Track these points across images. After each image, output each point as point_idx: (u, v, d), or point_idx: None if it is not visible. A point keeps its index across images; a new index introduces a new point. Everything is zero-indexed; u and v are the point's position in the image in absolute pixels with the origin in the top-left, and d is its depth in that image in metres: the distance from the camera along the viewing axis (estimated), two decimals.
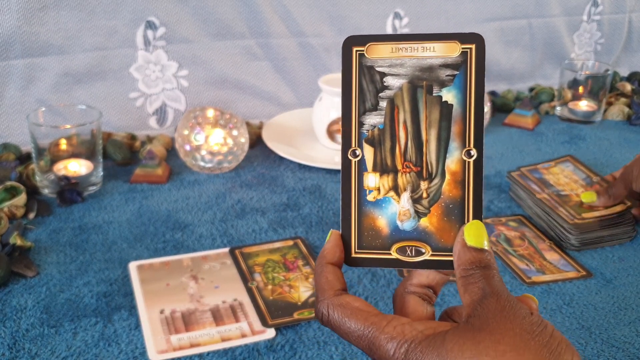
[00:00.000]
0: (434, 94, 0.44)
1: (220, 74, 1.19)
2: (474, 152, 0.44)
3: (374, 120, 0.44)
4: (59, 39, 1.05)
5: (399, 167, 0.44)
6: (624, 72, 1.57)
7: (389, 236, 0.44)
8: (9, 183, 0.90)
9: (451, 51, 0.44)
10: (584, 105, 1.30)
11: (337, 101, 1.07)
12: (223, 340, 0.67)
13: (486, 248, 0.42)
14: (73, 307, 0.71)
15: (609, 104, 1.37)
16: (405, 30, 1.32)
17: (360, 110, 0.44)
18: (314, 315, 0.70)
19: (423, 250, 0.44)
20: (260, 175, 1.04)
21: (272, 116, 1.22)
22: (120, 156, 1.04)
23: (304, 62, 1.25)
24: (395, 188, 0.44)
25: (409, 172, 0.44)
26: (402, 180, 0.44)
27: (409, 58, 0.44)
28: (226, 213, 0.92)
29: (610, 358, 0.67)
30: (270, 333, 0.68)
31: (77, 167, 0.95)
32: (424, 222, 0.44)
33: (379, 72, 0.44)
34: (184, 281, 0.76)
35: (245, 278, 0.77)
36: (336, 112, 1.08)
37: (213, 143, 1.02)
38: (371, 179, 0.45)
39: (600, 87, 1.28)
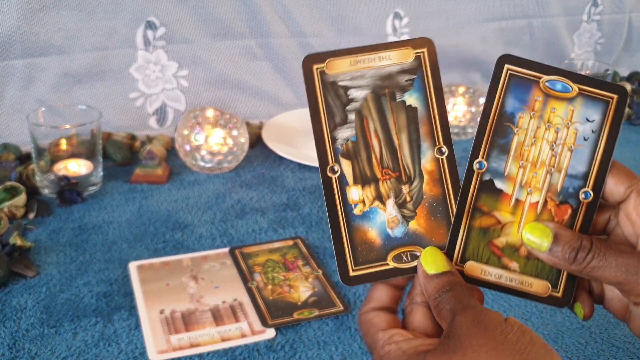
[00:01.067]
0: (397, 100, 0.45)
1: (220, 74, 1.19)
2: (444, 149, 0.45)
3: (345, 133, 0.45)
4: (59, 39, 1.05)
5: (379, 175, 0.45)
6: (624, 72, 1.57)
7: (382, 246, 0.45)
8: (9, 183, 0.90)
9: (406, 57, 0.45)
10: None
11: None
12: (223, 340, 0.67)
13: (448, 270, 0.42)
14: (73, 307, 0.71)
15: None
16: (406, 30, 1.32)
17: (331, 126, 0.45)
18: (314, 315, 0.71)
19: (418, 254, 0.44)
20: (260, 175, 1.04)
21: (272, 116, 1.22)
22: (120, 156, 1.04)
23: None
24: (379, 197, 0.45)
25: (389, 179, 0.45)
26: (384, 188, 0.45)
27: (368, 69, 0.45)
28: (226, 213, 0.92)
29: (610, 358, 0.67)
30: (270, 333, 0.68)
31: (77, 167, 0.95)
32: (413, 225, 0.45)
33: (342, 87, 0.45)
34: (184, 281, 0.76)
35: (245, 278, 0.77)
36: None
37: (213, 143, 1.02)
38: (354, 192, 0.45)
39: None
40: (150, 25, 1.11)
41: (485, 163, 0.44)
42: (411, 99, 0.45)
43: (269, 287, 0.75)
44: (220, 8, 1.16)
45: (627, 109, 1.33)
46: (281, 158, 1.08)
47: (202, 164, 1.02)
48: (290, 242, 0.84)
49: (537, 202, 0.44)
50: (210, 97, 1.19)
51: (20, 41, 1.03)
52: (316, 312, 0.71)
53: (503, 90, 0.44)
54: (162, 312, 0.71)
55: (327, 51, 0.46)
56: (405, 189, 0.45)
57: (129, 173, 1.02)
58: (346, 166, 0.45)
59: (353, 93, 0.45)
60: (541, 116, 0.44)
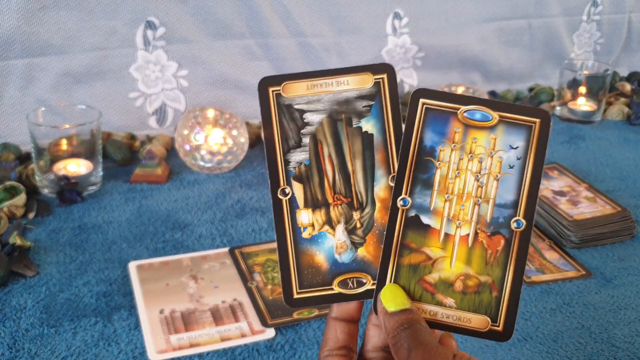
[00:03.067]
0: (354, 126, 0.45)
1: (220, 74, 1.19)
2: None
3: (299, 157, 0.45)
4: (58, 39, 1.05)
5: (330, 200, 0.44)
6: (624, 72, 1.57)
7: (328, 271, 0.44)
8: (8, 183, 0.90)
9: (364, 83, 0.45)
10: (583, 105, 1.30)
11: None
12: (223, 340, 0.67)
13: (407, 307, 0.42)
14: (73, 307, 0.71)
15: (609, 104, 1.37)
16: (406, 30, 1.32)
17: (285, 149, 0.45)
18: (313, 314, 0.71)
19: (364, 281, 0.44)
20: (260, 175, 1.04)
21: None
22: (120, 156, 1.04)
23: (304, 62, 1.25)
24: (329, 222, 0.44)
25: (341, 204, 0.44)
26: (334, 213, 0.44)
27: (325, 93, 0.45)
28: (226, 213, 0.92)
29: (610, 358, 0.67)
30: (270, 333, 0.68)
31: (76, 167, 0.95)
32: (361, 252, 0.44)
33: (298, 110, 0.45)
34: (183, 281, 0.76)
35: (245, 278, 0.77)
36: None
37: (213, 143, 1.02)
38: (304, 216, 0.44)
39: (600, 87, 1.28)
40: (150, 25, 1.11)
41: (409, 199, 0.43)
42: (368, 125, 0.45)
43: (269, 287, 0.75)
44: (220, 8, 1.16)
45: (626, 109, 1.33)
46: None
47: (202, 163, 1.02)
48: None
49: (468, 235, 0.43)
50: (210, 97, 1.19)
51: (20, 41, 1.03)
52: (316, 312, 0.71)
53: (420, 125, 0.44)
54: (161, 311, 0.71)
55: (284, 74, 0.45)
56: (356, 215, 0.44)
57: (128, 173, 1.02)
58: (297, 189, 0.44)
59: (309, 117, 0.45)
60: (462, 147, 0.43)
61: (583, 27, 1.52)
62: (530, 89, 1.46)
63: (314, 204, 0.44)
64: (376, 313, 0.43)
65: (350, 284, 0.44)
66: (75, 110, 0.99)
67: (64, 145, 0.94)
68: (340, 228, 0.44)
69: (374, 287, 0.43)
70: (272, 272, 0.78)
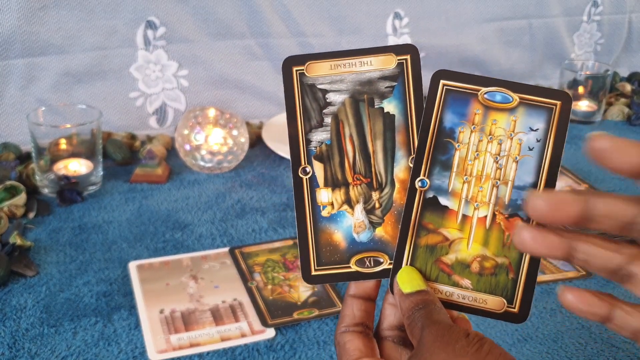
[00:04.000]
0: (375, 106, 0.45)
1: (220, 73, 1.19)
2: None
3: (320, 136, 0.45)
4: (59, 39, 1.05)
5: (350, 180, 0.45)
6: (624, 72, 1.57)
7: (346, 249, 0.45)
8: (9, 182, 0.90)
9: (388, 64, 0.45)
10: (584, 105, 1.30)
11: None
12: (223, 340, 0.67)
13: (423, 289, 0.42)
14: (73, 307, 0.71)
15: (609, 104, 1.37)
16: (406, 30, 1.32)
17: (307, 128, 0.45)
18: (313, 314, 0.71)
19: (381, 260, 0.45)
20: (260, 175, 1.04)
21: (272, 116, 1.22)
22: (120, 156, 1.04)
23: None
24: (348, 201, 0.45)
25: (360, 184, 0.45)
26: (354, 192, 0.45)
27: (348, 73, 0.45)
28: (226, 213, 0.92)
29: (610, 358, 0.67)
30: (270, 333, 0.68)
31: (77, 167, 0.95)
32: (379, 231, 0.45)
33: (321, 90, 0.45)
34: (183, 281, 0.76)
35: (245, 278, 0.77)
36: None
37: (213, 143, 1.02)
38: (324, 195, 0.45)
39: (600, 87, 1.28)
40: (150, 25, 1.11)
41: (427, 181, 0.43)
42: (390, 106, 0.45)
43: (269, 286, 0.75)
44: (220, 8, 1.16)
45: (626, 109, 1.33)
46: (281, 158, 1.08)
47: (202, 163, 1.02)
48: (290, 242, 0.84)
49: (486, 217, 0.43)
50: (210, 97, 1.19)
51: (20, 40, 1.03)
52: (316, 312, 0.71)
53: (440, 106, 0.43)
54: (162, 311, 0.71)
55: (308, 54, 0.46)
56: (375, 195, 0.45)
57: (129, 173, 1.02)
58: (318, 168, 0.45)
59: (331, 97, 0.45)
60: (482, 129, 0.43)
61: (583, 28, 1.52)
62: None
63: (333, 183, 0.45)
64: (392, 293, 0.43)
65: (368, 263, 0.45)
66: (75, 110, 0.99)
67: (64, 145, 0.94)
68: (359, 207, 0.45)
69: (391, 266, 0.44)
70: (272, 272, 0.78)
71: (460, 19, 1.37)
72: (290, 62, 0.45)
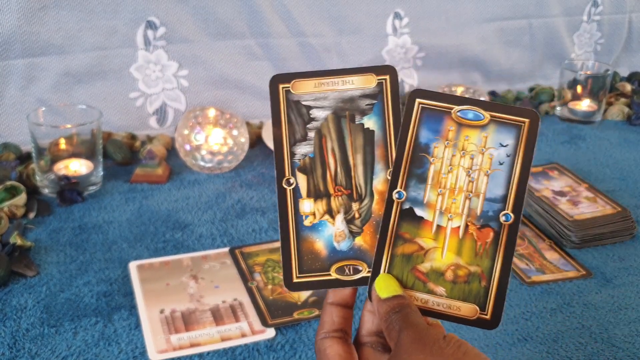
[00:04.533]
0: (356, 122, 0.48)
1: (220, 74, 1.19)
2: None
3: (304, 149, 0.48)
4: (59, 39, 1.05)
5: (331, 191, 0.47)
6: (624, 72, 1.57)
7: (327, 258, 0.47)
8: (9, 183, 0.90)
9: (368, 83, 0.48)
10: (584, 105, 1.30)
11: None
12: (223, 340, 0.67)
13: (399, 293, 0.44)
14: (73, 307, 0.71)
15: (609, 104, 1.37)
16: (406, 30, 1.32)
17: (291, 142, 0.48)
18: (313, 314, 0.71)
19: (360, 268, 0.46)
20: (260, 175, 1.04)
21: None
22: (120, 156, 1.04)
23: (304, 62, 1.25)
24: (329, 211, 0.47)
25: (341, 195, 0.47)
26: (335, 203, 0.47)
27: (332, 91, 0.48)
28: (226, 213, 0.92)
29: (610, 358, 0.67)
30: (270, 333, 0.68)
31: (77, 167, 0.95)
32: (359, 241, 0.47)
33: (305, 106, 0.48)
34: (184, 281, 0.76)
35: (245, 278, 0.77)
36: None
37: (213, 143, 1.02)
38: (306, 205, 0.47)
39: (600, 87, 1.28)
40: (150, 25, 1.11)
41: (404, 192, 0.46)
42: (370, 122, 0.48)
43: (269, 286, 0.75)
44: (220, 8, 1.16)
45: (626, 109, 1.33)
46: None
47: (202, 163, 1.02)
48: None
49: (459, 227, 0.45)
50: (210, 97, 1.19)
51: (20, 41, 1.03)
52: (316, 312, 0.71)
53: (416, 123, 0.46)
54: (162, 311, 0.71)
55: (294, 72, 0.48)
56: (355, 206, 0.47)
57: (129, 173, 1.02)
58: (301, 180, 0.47)
59: (315, 113, 0.48)
60: (455, 144, 0.46)
61: (583, 27, 1.52)
62: (531, 89, 1.46)
63: (316, 194, 0.47)
64: (370, 300, 0.45)
65: (347, 271, 0.47)
66: (75, 110, 0.99)
67: (64, 145, 0.94)
68: (339, 218, 0.47)
69: (369, 274, 0.46)
70: (272, 272, 0.78)
71: (460, 19, 1.37)
72: (277, 80, 0.49)
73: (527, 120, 0.45)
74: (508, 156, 0.45)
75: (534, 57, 1.48)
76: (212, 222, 0.89)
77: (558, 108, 1.32)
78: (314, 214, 0.47)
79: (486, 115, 0.46)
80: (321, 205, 0.47)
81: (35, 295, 0.73)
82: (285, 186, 0.47)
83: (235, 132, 1.03)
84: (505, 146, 0.45)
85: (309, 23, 1.23)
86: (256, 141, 1.14)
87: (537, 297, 0.76)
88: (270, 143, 1.10)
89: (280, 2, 1.20)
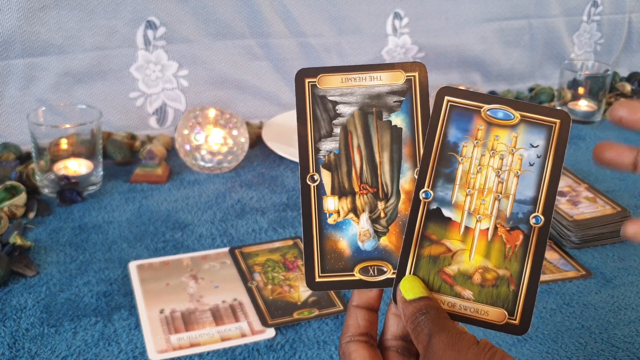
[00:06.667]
0: (383, 119, 0.46)
1: (220, 74, 1.19)
2: None
3: (329, 146, 0.46)
4: (59, 39, 1.05)
5: (356, 189, 0.46)
6: (624, 72, 1.57)
7: (351, 257, 0.45)
8: (9, 183, 0.90)
9: (396, 79, 0.47)
10: (583, 105, 1.30)
11: None
12: (223, 340, 0.67)
13: (425, 295, 0.43)
14: (73, 307, 0.71)
15: (609, 104, 1.37)
16: (406, 30, 1.32)
17: (316, 138, 0.46)
18: (313, 314, 0.71)
19: (385, 269, 0.45)
20: (260, 175, 1.04)
21: (272, 116, 1.22)
22: (120, 156, 1.04)
23: (304, 62, 1.25)
24: (354, 210, 0.46)
25: (366, 194, 0.46)
26: (360, 201, 0.46)
27: (358, 87, 0.47)
28: (226, 213, 0.92)
29: (610, 358, 0.67)
30: (270, 333, 0.68)
31: (77, 167, 0.95)
32: (384, 241, 0.45)
33: (331, 101, 0.47)
34: (183, 281, 0.76)
35: (245, 278, 0.77)
36: None
37: (213, 143, 1.02)
38: (330, 203, 0.46)
39: (600, 87, 1.28)
40: (150, 25, 1.11)
41: (431, 192, 0.44)
42: (397, 119, 0.46)
43: (269, 286, 0.75)
44: (220, 8, 1.16)
45: None
46: (281, 158, 1.08)
47: (202, 163, 1.02)
48: (290, 242, 0.85)
49: (488, 229, 0.44)
50: (210, 97, 1.19)
51: (20, 40, 1.03)
52: (316, 312, 0.71)
53: (445, 121, 0.45)
54: (162, 311, 0.71)
55: (321, 67, 0.47)
56: (380, 205, 0.46)
57: (129, 173, 1.02)
58: (326, 177, 0.46)
59: (341, 108, 0.47)
60: (485, 144, 0.45)
61: (583, 28, 1.52)
62: (531, 89, 1.46)
63: (340, 191, 0.46)
64: (395, 302, 0.43)
65: (371, 272, 0.45)
66: (75, 110, 0.99)
67: (64, 145, 0.94)
68: (364, 216, 0.46)
69: (394, 275, 0.44)
70: (272, 272, 0.78)
71: (460, 19, 1.37)
72: (303, 74, 0.47)
73: (557, 121, 0.44)
74: (538, 157, 0.44)
75: (534, 57, 1.48)
76: (212, 222, 0.89)
77: (558, 108, 1.32)
78: (338, 212, 0.46)
79: (516, 115, 0.45)
80: (346, 203, 0.46)
81: (35, 295, 0.73)
82: (309, 183, 0.46)
83: (235, 132, 1.03)
84: (535, 147, 0.44)
85: (309, 23, 1.23)
86: (256, 141, 1.14)
87: (537, 297, 0.76)
88: (270, 143, 1.10)
89: (280, 2, 1.20)
